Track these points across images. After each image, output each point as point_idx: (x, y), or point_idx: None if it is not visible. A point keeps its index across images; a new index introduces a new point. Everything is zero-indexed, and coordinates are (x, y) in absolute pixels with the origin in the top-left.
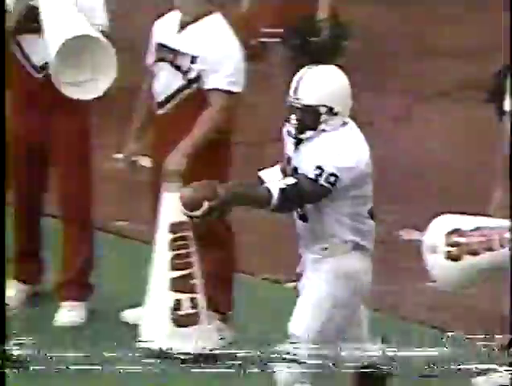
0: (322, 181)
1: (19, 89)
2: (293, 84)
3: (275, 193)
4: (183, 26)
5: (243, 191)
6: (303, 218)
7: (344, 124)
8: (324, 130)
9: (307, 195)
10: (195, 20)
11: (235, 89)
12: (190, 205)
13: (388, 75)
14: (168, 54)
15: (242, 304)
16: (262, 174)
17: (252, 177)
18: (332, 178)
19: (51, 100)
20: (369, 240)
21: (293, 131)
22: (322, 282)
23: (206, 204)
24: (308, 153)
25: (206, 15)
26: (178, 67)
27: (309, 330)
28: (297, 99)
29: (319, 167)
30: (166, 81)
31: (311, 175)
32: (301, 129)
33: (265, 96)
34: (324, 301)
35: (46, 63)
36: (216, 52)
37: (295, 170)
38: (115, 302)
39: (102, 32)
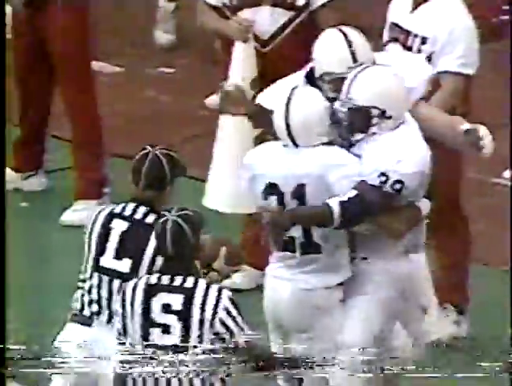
0: (387, 187)
1: None
2: (346, 83)
3: (336, 208)
4: (416, 5)
5: (300, 212)
6: None
7: (401, 122)
8: (374, 133)
9: (372, 204)
10: None
11: (467, 71)
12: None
13: None
14: (400, 34)
15: (479, 296)
16: None
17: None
18: (398, 185)
19: None
20: (419, 239)
21: (342, 132)
22: (374, 290)
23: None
24: (365, 157)
25: None
26: (409, 49)
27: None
28: (349, 99)
29: (383, 174)
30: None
31: (375, 182)
32: (350, 130)
33: (502, 77)
34: (376, 311)
35: None
36: (446, 33)
37: None
38: None
39: None
